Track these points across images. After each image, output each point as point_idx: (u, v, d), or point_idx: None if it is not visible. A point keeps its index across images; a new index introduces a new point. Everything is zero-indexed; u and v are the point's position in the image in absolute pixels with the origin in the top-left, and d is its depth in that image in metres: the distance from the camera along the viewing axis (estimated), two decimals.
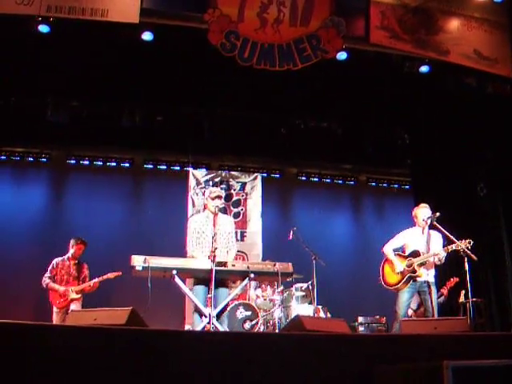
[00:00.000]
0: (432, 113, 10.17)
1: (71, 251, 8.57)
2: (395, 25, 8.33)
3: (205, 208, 7.18)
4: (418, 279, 6.95)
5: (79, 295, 8.39)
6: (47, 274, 8.45)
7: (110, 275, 8.51)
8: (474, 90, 9.37)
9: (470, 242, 6.56)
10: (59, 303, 8.31)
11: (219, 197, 6.82)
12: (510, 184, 10.15)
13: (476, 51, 8.64)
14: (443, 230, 6.86)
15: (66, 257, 8.58)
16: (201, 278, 6.40)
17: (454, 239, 6.65)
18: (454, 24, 8.63)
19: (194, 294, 6.38)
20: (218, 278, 6.18)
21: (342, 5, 8.35)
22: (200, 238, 6.62)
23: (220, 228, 6.67)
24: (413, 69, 8.97)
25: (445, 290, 9.20)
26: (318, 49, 8.13)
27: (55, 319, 8.29)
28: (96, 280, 8.49)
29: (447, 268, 8.90)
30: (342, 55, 8.49)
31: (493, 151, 10.49)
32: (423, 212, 7.15)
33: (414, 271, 6.89)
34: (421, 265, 6.89)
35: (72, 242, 8.60)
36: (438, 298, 9.06)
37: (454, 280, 9.17)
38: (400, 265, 7.05)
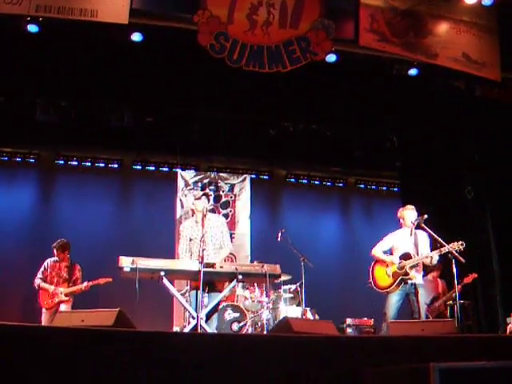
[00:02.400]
0: (421, 115, 10.21)
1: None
2: (384, 28, 8.35)
3: (193, 213, 7.15)
4: (409, 281, 6.96)
5: (68, 297, 8.36)
6: (39, 275, 8.43)
7: (101, 280, 8.48)
8: (462, 93, 9.44)
9: (462, 244, 6.57)
10: (47, 304, 8.28)
11: (205, 195, 6.78)
12: (498, 187, 10.22)
13: (464, 55, 8.67)
14: (431, 232, 6.88)
15: (57, 258, 8.54)
16: (193, 281, 6.40)
17: (442, 241, 6.67)
18: (442, 27, 8.66)
19: (191, 300, 6.40)
20: (208, 281, 6.18)
21: (332, 7, 8.36)
22: (191, 244, 6.60)
23: (211, 229, 6.64)
24: (402, 71, 9.01)
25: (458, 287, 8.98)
26: (307, 51, 8.14)
27: (44, 320, 8.25)
28: (86, 284, 8.45)
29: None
30: (331, 57, 8.51)
31: (481, 154, 10.55)
32: (410, 214, 7.16)
33: (406, 274, 6.89)
34: (412, 267, 6.90)
35: None
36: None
37: (471, 276, 8.85)
38: (392, 261, 7.04)
